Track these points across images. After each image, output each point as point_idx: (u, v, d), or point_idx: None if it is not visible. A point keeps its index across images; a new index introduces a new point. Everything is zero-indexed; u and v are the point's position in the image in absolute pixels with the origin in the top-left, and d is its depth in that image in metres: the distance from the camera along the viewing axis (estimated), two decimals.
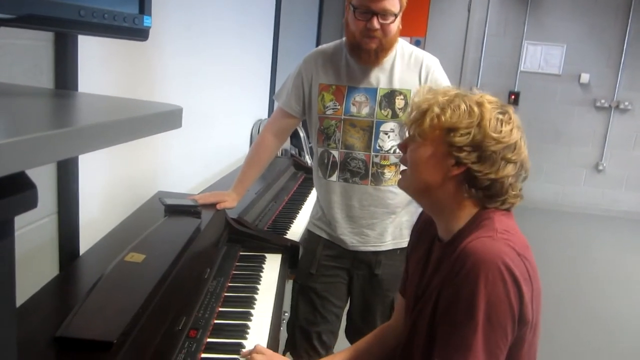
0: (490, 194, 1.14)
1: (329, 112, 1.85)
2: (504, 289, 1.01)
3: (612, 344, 3.37)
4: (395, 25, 1.73)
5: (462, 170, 1.12)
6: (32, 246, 1.29)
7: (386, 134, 1.82)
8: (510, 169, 1.12)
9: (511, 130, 1.12)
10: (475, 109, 1.12)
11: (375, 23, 1.69)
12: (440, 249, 1.21)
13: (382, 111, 1.81)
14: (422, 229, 1.35)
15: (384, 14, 1.69)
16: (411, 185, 1.23)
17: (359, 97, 1.83)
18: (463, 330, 1.03)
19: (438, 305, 1.12)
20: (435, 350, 1.09)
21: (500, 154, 1.11)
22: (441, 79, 1.84)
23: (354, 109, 1.83)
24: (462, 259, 1.05)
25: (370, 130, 1.82)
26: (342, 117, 1.83)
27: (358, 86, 1.83)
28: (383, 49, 1.77)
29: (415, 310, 1.24)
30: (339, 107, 1.84)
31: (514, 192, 1.15)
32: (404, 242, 1.89)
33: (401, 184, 1.27)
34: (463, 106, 1.12)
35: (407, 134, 1.21)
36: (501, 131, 1.11)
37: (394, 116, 1.82)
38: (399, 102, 1.82)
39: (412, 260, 1.37)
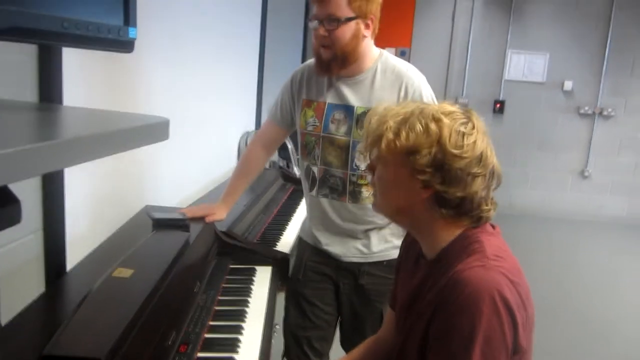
0: (462, 211, 1.10)
1: (310, 128, 1.84)
2: (499, 321, 0.99)
3: (600, 348, 3.38)
4: (345, 32, 1.66)
5: (430, 192, 1.09)
6: (18, 263, 1.27)
7: (362, 153, 1.80)
8: (478, 183, 1.07)
9: (474, 142, 1.06)
10: (432, 126, 1.06)
11: (322, 30, 1.67)
12: (426, 267, 1.19)
13: (359, 130, 1.75)
14: (410, 244, 1.32)
15: (328, 19, 1.66)
16: (382, 209, 1.21)
17: (338, 115, 1.80)
18: None
19: (429, 330, 1.09)
20: None
21: (465, 170, 1.05)
22: (424, 96, 1.75)
23: (332, 127, 1.80)
24: (456, 288, 1.02)
25: (347, 149, 1.79)
26: (321, 134, 1.82)
27: (337, 103, 1.80)
28: (338, 59, 1.71)
29: (405, 327, 1.21)
30: (318, 124, 1.82)
31: (487, 207, 1.12)
32: (390, 255, 1.87)
33: (374, 208, 1.23)
34: (418, 126, 1.06)
35: (367, 158, 1.18)
36: (463, 146, 1.05)
37: None
38: None
39: (400, 274, 1.36)
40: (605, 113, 6.12)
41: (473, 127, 1.08)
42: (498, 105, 6.17)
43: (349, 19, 1.66)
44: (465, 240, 1.11)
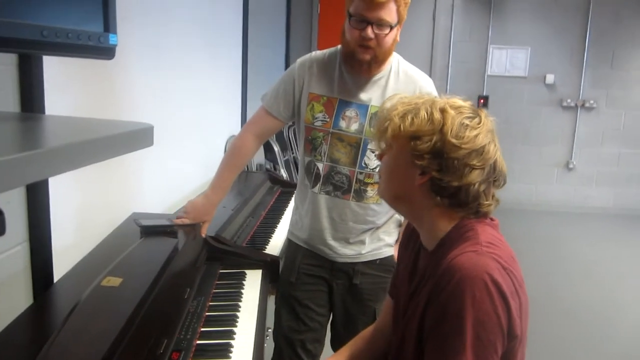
0: (457, 202, 1.11)
1: (317, 123, 1.81)
2: (492, 304, 1.00)
3: (589, 339, 3.41)
4: (390, 38, 1.69)
5: (426, 179, 1.10)
6: (3, 276, 1.25)
7: (373, 152, 1.77)
8: (475, 175, 1.09)
9: (476, 135, 1.08)
10: (437, 115, 1.09)
11: (370, 32, 1.65)
12: (425, 258, 1.20)
13: (372, 129, 1.74)
14: (410, 236, 1.33)
15: (379, 23, 1.64)
16: (384, 194, 1.24)
17: (349, 112, 1.79)
18: (452, 348, 1.01)
19: (425, 319, 1.10)
20: None
21: (462, 160, 1.07)
22: None
23: (343, 124, 1.79)
24: (448, 274, 1.03)
25: (358, 146, 1.79)
26: (331, 130, 1.80)
27: (350, 100, 1.79)
28: (377, 61, 1.72)
29: (404, 320, 1.22)
30: (328, 119, 1.80)
31: (486, 201, 1.13)
32: (382, 253, 1.89)
33: (378, 192, 1.27)
34: (423, 113, 1.10)
35: (378, 146, 1.21)
36: (463, 137, 1.07)
37: None
38: None
39: (401, 265, 1.37)
40: (587, 105, 6.19)
41: (479, 123, 1.11)
42: (482, 101, 6.21)
43: (396, 25, 1.68)
44: (460, 229, 1.13)
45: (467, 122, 1.09)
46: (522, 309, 1.07)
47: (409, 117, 1.11)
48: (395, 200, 1.21)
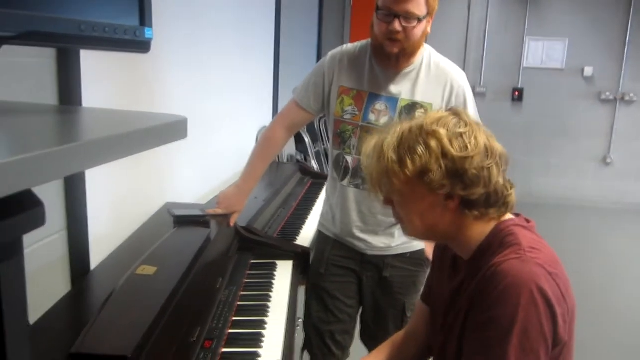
0: (489, 205, 1.10)
1: (347, 116, 1.81)
2: (537, 314, 0.99)
3: (628, 337, 3.34)
4: (419, 30, 1.67)
5: (457, 201, 1.09)
6: (43, 263, 1.29)
7: None
8: (495, 173, 1.08)
9: (475, 138, 1.06)
10: (432, 142, 1.06)
11: (397, 26, 1.63)
12: (464, 267, 1.18)
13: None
14: (445, 246, 1.31)
15: (406, 16, 1.63)
16: (414, 233, 1.20)
17: (379, 105, 1.78)
18: (495, 354, 1.01)
19: (466, 325, 1.09)
20: None
21: (479, 166, 1.06)
22: (467, 96, 1.77)
23: (372, 117, 1.78)
24: (493, 281, 1.03)
25: None
26: (360, 123, 1.79)
27: (380, 93, 1.78)
28: (405, 54, 1.71)
29: (445, 325, 1.21)
30: (357, 113, 1.80)
31: (507, 192, 1.12)
32: (413, 247, 1.88)
33: (405, 234, 1.23)
34: (418, 147, 1.06)
35: (379, 195, 1.17)
36: (467, 146, 1.05)
37: None
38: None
39: (436, 274, 1.35)
40: (627, 98, 6.01)
41: (466, 125, 1.08)
42: (517, 93, 6.08)
43: (424, 17, 1.66)
44: (499, 234, 1.11)
45: (459, 130, 1.07)
46: (569, 312, 1.05)
47: (407, 159, 1.07)
48: (430, 232, 1.18)
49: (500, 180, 1.10)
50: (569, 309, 1.06)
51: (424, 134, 1.07)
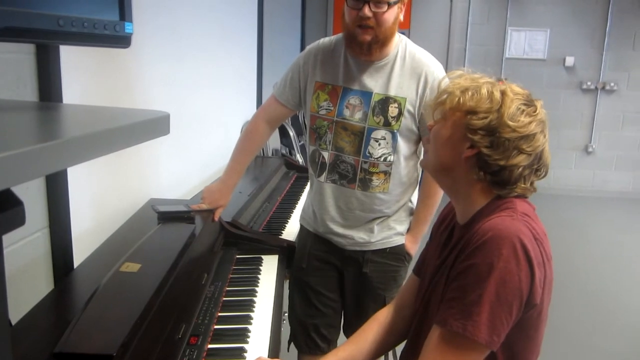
0: (498, 180, 1.14)
1: (322, 112, 1.80)
2: (517, 267, 1.02)
3: (608, 323, 3.39)
4: (391, 15, 1.64)
5: (474, 152, 1.13)
6: (25, 262, 1.27)
7: (377, 141, 1.75)
8: (522, 159, 1.12)
9: (530, 122, 1.12)
10: (497, 95, 1.12)
11: (367, 11, 1.60)
12: (458, 232, 1.22)
13: (375, 118, 1.73)
14: (446, 215, 1.36)
15: (376, 1, 1.60)
16: (429, 164, 1.25)
17: (353, 100, 1.75)
18: (469, 299, 1.03)
19: (449, 276, 1.12)
20: (437, 314, 1.09)
21: (513, 142, 1.11)
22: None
23: (347, 112, 1.76)
24: (479, 233, 1.06)
25: (362, 135, 1.75)
26: (335, 119, 1.78)
27: (353, 87, 1.76)
28: (378, 41, 1.67)
29: (429, 288, 1.24)
30: (332, 108, 1.78)
31: (524, 185, 1.15)
32: (393, 242, 1.88)
33: (422, 163, 1.30)
34: (484, 91, 1.13)
35: (432, 116, 1.23)
36: (519, 120, 1.11)
37: (386, 124, 1.73)
38: (392, 110, 1.73)
39: (433, 243, 1.38)
40: (607, 88, 6.08)
41: (535, 111, 1.14)
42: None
43: (395, 2, 1.63)
44: (497, 202, 1.16)
45: (523, 107, 1.13)
46: (546, 281, 1.08)
47: (470, 92, 1.14)
48: (440, 170, 1.23)
49: (523, 171, 1.13)
50: (547, 278, 1.08)
51: (497, 87, 1.14)
